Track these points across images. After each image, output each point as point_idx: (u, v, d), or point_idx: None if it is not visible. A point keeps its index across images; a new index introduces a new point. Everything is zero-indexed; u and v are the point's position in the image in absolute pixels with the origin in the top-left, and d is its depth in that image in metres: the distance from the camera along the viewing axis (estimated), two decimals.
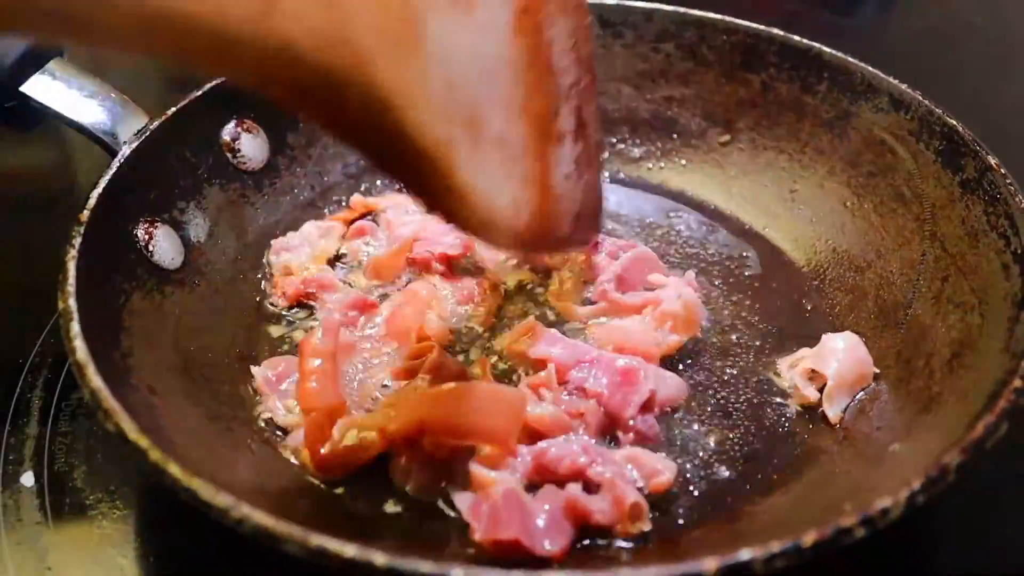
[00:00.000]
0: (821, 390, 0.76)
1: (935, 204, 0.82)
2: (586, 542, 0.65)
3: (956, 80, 1.25)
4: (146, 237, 0.77)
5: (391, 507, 0.68)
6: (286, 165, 0.95)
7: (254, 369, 0.77)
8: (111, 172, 0.75)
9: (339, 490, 0.69)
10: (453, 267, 0.89)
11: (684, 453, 0.73)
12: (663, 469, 0.68)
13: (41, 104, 0.82)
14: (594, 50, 0.71)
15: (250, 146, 0.90)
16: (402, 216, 0.93)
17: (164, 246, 0.79)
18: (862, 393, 0.76)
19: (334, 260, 0.91)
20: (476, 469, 0.67)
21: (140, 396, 0.64)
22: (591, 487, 0.67)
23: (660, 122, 1.04)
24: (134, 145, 0.79)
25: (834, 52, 0.94)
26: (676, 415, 0.76)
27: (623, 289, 0.85)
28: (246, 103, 0.89)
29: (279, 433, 0.74)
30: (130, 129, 0.80)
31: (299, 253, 0.89)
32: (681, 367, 0.80)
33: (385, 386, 0.77)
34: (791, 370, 0.79)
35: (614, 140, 1.06)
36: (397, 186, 0.97)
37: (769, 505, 0.68)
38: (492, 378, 0.77)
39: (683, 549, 0.64)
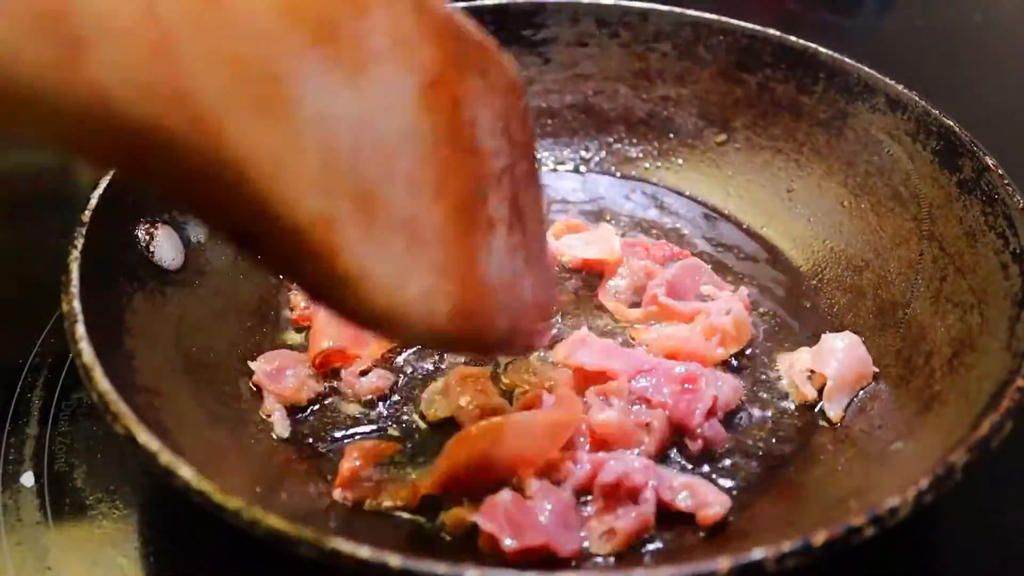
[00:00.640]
0: (821, 389, 0.77)
1: (932, 204, 0.83)
2: (586, 544, 0.65)
3: (955, 80, 1.26)
4: (147, 238, 0.77)
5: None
6: None
7: (253, 364, 0.77)
8: (112, 172, 0.75)
9: None
10: None
11: (684, 452, 0.73)
12: (714, 502, 0.67)
13: None
14: (533, 135, 0.65)
15: None
16: None
17: (165, 247, 0.78)
18: (862, 392, 0.77)
19: None
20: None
21: (145, 397, 0.64)
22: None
23: (657, 122, 1.05)
24: None
25: (830, 52, 0.94)
26: None
27: (673, 296, 0.84)
28: None
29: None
30: None
31: None
32: None
33: None
34: (790, 369, 0.80)
35: (611, 140, 1.06)
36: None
37: (771, 503, 0.69)
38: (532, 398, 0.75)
39: (688, 548, 0.65)
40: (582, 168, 1.06)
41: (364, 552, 0.50)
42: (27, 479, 0.73)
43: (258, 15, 0.45)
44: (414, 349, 0.81)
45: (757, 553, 0.51)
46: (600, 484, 0.67)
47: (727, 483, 0.71)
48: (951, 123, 0.82)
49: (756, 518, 0.68)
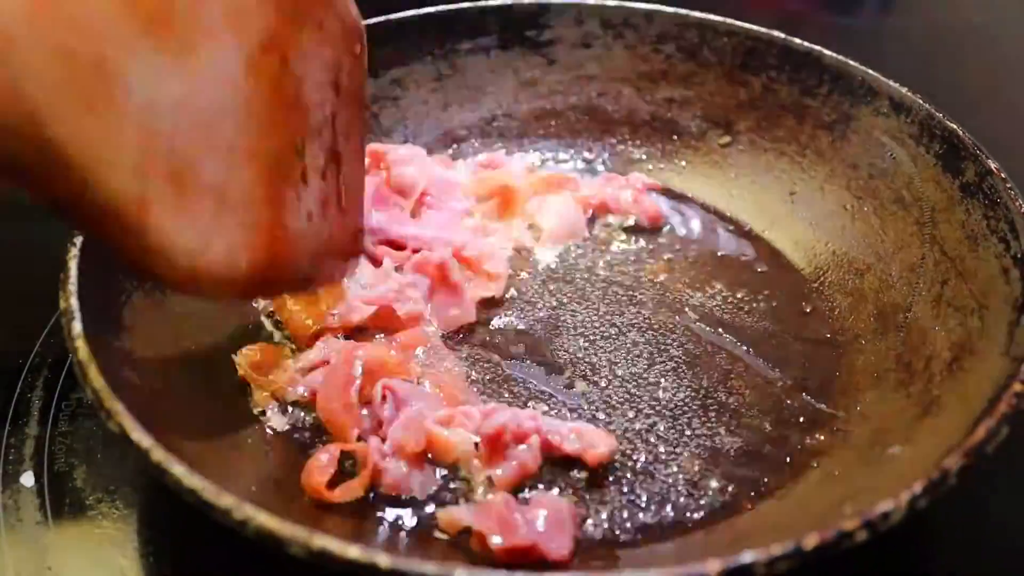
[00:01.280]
0: None
1: (935, 208, 0.82)
2: (585, 549, 0.65)
3: (956, 81, 1.25)
4: None
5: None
6: None
7: (237, 358, 0.77)
8: None
9: None
10: None
11: (682, 454, 0.73)
12: (600, 443, 0.70)
13: None
14: (365, 77, 0.65)
15: None
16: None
17: None
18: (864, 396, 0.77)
19: None
20: (436, 430, 0.69)
21: (142, 396, 0.64)
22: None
23: (660, 123, 1.05)
24: None
25: (834, 55, 0.94)
26: (676, 417, 0.76)
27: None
28: None
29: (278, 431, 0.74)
30: None
31: None
32: (682, 368, 0.80)
33: None
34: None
35: (614, 141, 1.06)
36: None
37: (768, 506, 0.69)
38: None
39: (682, 550, 0.65)
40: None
41: (353, 552, 0.50)
42: (27, 479, 0.73)
43: (93, 10, 0.47)
44: None
45: (747, 556, 0.50)
46: (485, 434, 0.69)
47: (724, 485, 0.70)
48: (954, 126, 0.82)
49: (753, 520, 0.67)
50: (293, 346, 0.80)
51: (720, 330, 0.84)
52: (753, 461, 0.72)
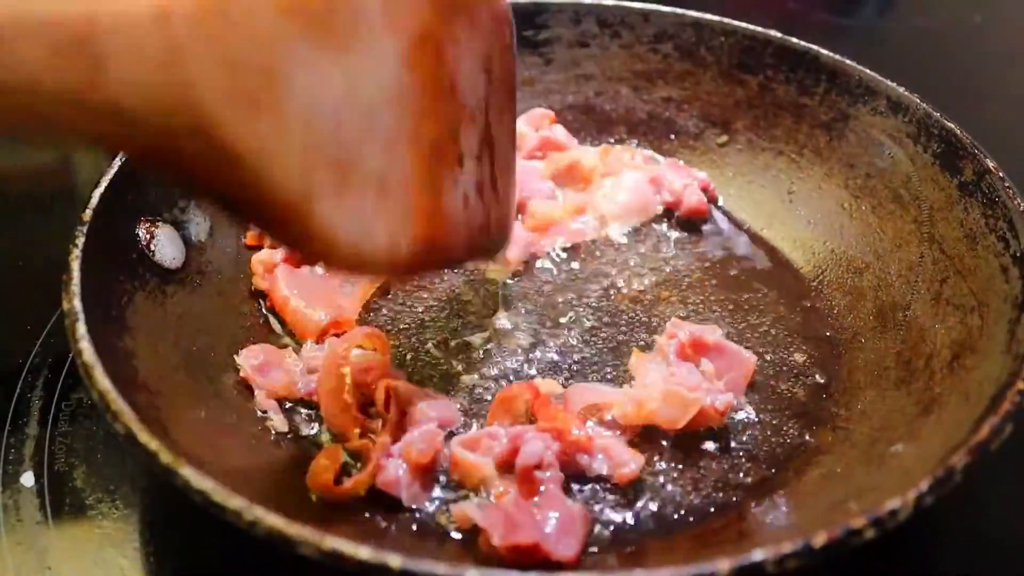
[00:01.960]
0: None
1: (933, 206, 0.83)
2: (594, 549, 0.65)
3: (956, 81, 1.26)
4: (147, 237, 0.77)
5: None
6: None
7: (238, 359, 0.77)
8: (112, 171, 0.74)
9: None
10: None
11: (683, 453, 0.73)
12: (629, 461, 0.70)
13: None
14: (515, 62, 0.67)
15: None
16: None
17: (165, 246, 0.78)
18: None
19: None
20: (458, 451, 0.69)
21: (146, 396, 0.64)
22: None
23: (658, 122, 1.05)
24: None
25: (831, 54, 0.95)
26: None
27: None
28: None
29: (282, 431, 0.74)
30: None
31: None
32: None
33: None
34: None
35: (612, 140, 1.06)
36: None
37: (772, 505, 0.69)
38: None
39: (689, 549, 0.65)
40: None
41: (364, 553, 0.50)
42: (27, 479, 0.73)
43: (257, 18, 0.49)
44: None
45: (757, 554, 0.50)
46: (517, 467, 0.68)
47: (726, 484, 0.71)
48: (952, 125, 0.83)
49: (758, 518, 0.68)
50: (295, 346, 0.80)
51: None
52: (755, 459, 0.73)
